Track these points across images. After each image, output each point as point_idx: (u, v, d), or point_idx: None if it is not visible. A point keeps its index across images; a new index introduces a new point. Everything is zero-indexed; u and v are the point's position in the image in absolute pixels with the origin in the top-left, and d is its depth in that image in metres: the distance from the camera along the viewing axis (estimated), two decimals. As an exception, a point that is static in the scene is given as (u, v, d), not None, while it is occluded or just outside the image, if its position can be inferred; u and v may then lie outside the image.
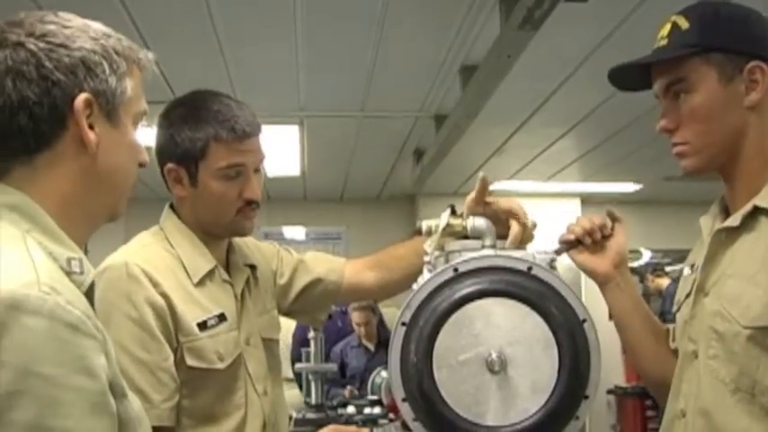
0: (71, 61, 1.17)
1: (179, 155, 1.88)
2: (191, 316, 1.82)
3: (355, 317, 6.20)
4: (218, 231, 1.96)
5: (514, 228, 1.71)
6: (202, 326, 1.83)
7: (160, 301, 1.77)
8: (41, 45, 1.16)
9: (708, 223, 1.71)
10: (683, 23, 1.64)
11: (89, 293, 1.15)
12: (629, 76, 1.75)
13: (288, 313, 2.24)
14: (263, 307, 2.07)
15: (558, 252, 1.74)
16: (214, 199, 1.89)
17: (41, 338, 0.99)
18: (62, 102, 1.16)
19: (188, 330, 1.80)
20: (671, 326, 1.82)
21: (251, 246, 2.12)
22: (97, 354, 1.06)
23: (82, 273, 1.15)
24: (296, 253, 2.27)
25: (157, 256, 1.86)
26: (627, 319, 1.87)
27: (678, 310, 1.76)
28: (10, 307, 0.98)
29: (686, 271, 1.78)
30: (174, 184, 1.92)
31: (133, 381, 1.67)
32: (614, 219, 1.86)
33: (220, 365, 1.84)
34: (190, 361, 1.80)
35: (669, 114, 1.67)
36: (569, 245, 1.83)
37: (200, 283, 1.88)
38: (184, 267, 1.88)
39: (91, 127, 1.19)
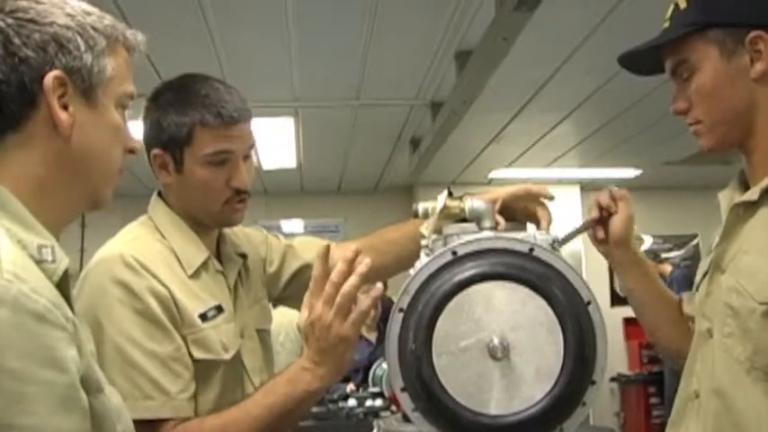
0: (41, 37, 1.12)
1: (164, 140, 1.81)
2: (191, 307, 1.75)
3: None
4: (206, 221, 1.89)
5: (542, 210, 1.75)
6: (203, 317, 1.76)
7: (163, 291, 1.70)
8: (9, 21, 1.11)
9: (726, 198, 1.68)
10: (682, 3, 1.63)
11: (63, 283, 1.08)
12: (641, 61, 1.73)
13: (278, 300, 2.18)
14: (254, 297, 2.02)
15: (579, 230, 1.78)
16: (200, 186, 1.82)
17: (4, 329, 0.93)
18: (31, 80, 1.10)
19: (191, 322, 1.74)
20: (684, 294, 1.81)
21: (239, 234, 2.06)
22: (66, 345, 1.00)
23: (54, 261, 1.08)
24: (284, 239, 2.21)
25: (151, 248, 1.79)
26: (639, 295, 1.88)
27: (697, 288, 1.72)
28: None
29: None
30: (159, 170, 1.85)
31: (147, 373, 1.62)
32: (614, 198, 1.82)
33: (226, 356, 1.78)
34: (196, 353, 1.73)
35: (680, 96, 1.67)
36: (594, 222, 1.83)
37: (195, 275, 1.81)
38: (177, 259, 1.81)
39: (65, 107, 1.13)
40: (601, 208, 1.82)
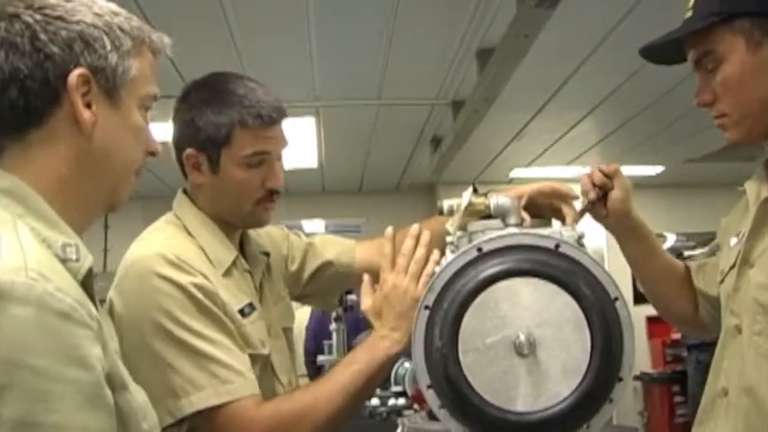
0: (68, 35, 1.12)
1: (200, 140, 1.79)
2: (230, 303, 1.75)
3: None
4: (235, 221, 1.89)
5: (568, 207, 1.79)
6: (241, 313, 1.77)
7: (208, 284, 1.70)
8: (38, 17, 1.11)
9: (753, 188, 1.65)
10: None
11: (87, 281, 1.09)
12: (663, 51, 1.68)
13: (299, 298, 2.19)
14: (277, 295, 2.02)
15: (582, 212, 1.80)
16: (236, 187, 1.82)
17: (29, 328, 0.93)
18: (55, 76, 1.11)
19: (233, 316, 1.74)
20: (691, 263, 1.80)
21: (261, 233, 2.06)
22: (91, 343, 1.00)
23: (78, 260, 1.09)
24: (305, 237, 2.22)
25: (186, 247, 1.78)
26: (643, 264, 1.90)
27: (722, 281, 1.69)
28: None
29: (732, 240, 1.71)
30: (191, 170, 1.84)
31: (220, 359, 1.63)
32: (608, 175, 1.81)
33: (264, 351, 1.80)
34: None
35: (704, 88, 1.62)
36: (593, 202, 1.82)
37: (227, 274, 1.81)
38: (208, 258, 1.80)
39: (88, 106, 1.13)
40: (596, 187, 1.80)
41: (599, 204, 1.80)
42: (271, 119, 1.79)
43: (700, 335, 1.79)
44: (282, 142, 1.86)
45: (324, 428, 1.69)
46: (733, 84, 1.56)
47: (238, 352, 1.69)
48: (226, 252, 1.84)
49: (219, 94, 1.80)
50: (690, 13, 1.61)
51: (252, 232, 2.00)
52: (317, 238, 2.23)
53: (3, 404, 0.90)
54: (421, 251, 1.72)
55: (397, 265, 1.72)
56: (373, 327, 1.74)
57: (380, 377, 1.75)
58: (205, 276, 1.71)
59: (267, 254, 2.01)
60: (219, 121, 1.77)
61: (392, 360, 1.73)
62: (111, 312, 1.65)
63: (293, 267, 2.14)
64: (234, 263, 1.84)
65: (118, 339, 1.59)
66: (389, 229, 1.78)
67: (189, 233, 1.83)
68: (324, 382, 1.73)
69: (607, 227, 1.84)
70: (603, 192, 1.79)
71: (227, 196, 1.84)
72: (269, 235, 2.09)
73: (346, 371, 1.71)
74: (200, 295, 1.67)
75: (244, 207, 1.84)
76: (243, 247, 1.95)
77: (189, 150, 1.82)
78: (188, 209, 1.87)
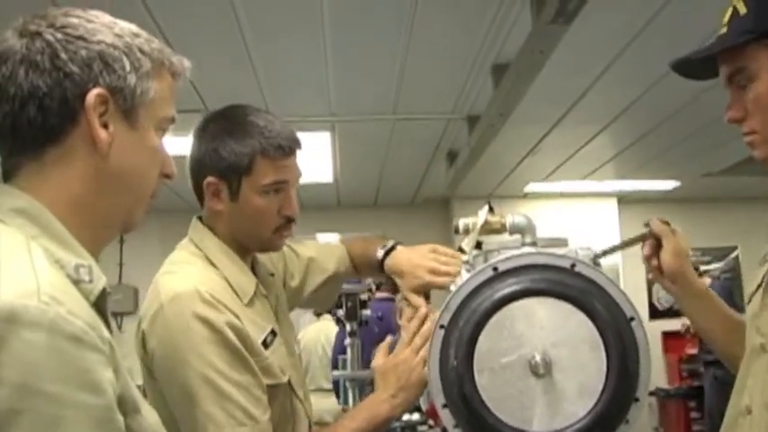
0: (88, 54, 1.12)
1: (222, 168, 1.83)
2: (254, 336, 1.79)
3: (407, 312, 6.11)
4: (251, 246, 1.93)
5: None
6: (264, 344, 1.81)
7: (238, 323, 1.74)
8: (59, 36, 1.12)
9: None
10: (742, 8, 1.55)
11: (100, 302, 1.09)
12: (695, 66, 1.66)
13: (300, 307, 2.28)
14: (284, 313, 2.04)
15: (642, 237, 1.81)
16: (255, 214, 1.85)
17: (41, 353, 0.93)
18: (73, 95, 1.11)
19: (257, 351, 1.78)
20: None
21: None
22: (103, 367, 0.99)
23: (91, 281, 1.08)
24: (299, 249, 2.26)
25: (215, 281, 1.81)
26: (709, 331, 1.86)
27: (749, 301, 1.68)
28: (8, 320, 0.92)
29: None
30: (211, 197, 1.87)
31: (239, 402, 1.69)
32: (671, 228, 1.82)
33: (284, 379, 1.85)
34: (264, 380, 1.78)
35: (735, 104, 1.59)
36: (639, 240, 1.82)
37: (250, 303, 1.84)
38: (232, 288, 1.83)
39: (105, 126, 1.14)
40: (651, 232, 1.80)
41: (651, 246, 1.81)
42: (289, 149, 1.85)
43: None
44: (297, 172, 1.91)
45: None
46: (764, 101, 1.53)
47: (258, 394, 1.74)
48: (248, 281, 1.88)
49: (241, 125, 1.85)
50: (724, 30, 1.58)
51: (257, 255, 2.01)
52: (313, 250, 2.28)
53: (15, 429, 0.90)
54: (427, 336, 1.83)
55: (414, 344, 1.89)
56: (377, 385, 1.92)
57: None
58: (236, 315, 1.75)
59: (272, 274, 2.04)
60: (242, 150, 1.81)
61: (390, 422, 1.93)
62: (143, 344, 1.72)
63: (293, 283, 2.19)
64: (255, 291, 1.87)
65: (149, 371, 1.69)
66: (424, 310, 1.94)
67: (212, 263, 1.86)
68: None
69: (666, 288, 1.84)
70: (656, 242, 1.79)
71: (246, 223, 1.87)
72: (268, 255, 2.10)
73: (349, 426, 1.88)
74: (231, 335, 1.71)
75: (263, 234, 1.88)
76: (254, 270, 1.97)
77: (210, 178, 1.85)
78: (208, 238, 1.90)
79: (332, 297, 2.41)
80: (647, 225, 1.81)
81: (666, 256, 1.78)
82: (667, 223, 1.81)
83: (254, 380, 1.74)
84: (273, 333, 1.85)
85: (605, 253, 1.68)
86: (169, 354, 1.68)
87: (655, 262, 1.81)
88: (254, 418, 1.71)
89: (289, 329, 2.03)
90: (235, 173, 1.82)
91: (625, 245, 1.80)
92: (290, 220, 1.90)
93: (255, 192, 1.83)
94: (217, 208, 1.87)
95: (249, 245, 1.91)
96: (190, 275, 1.79)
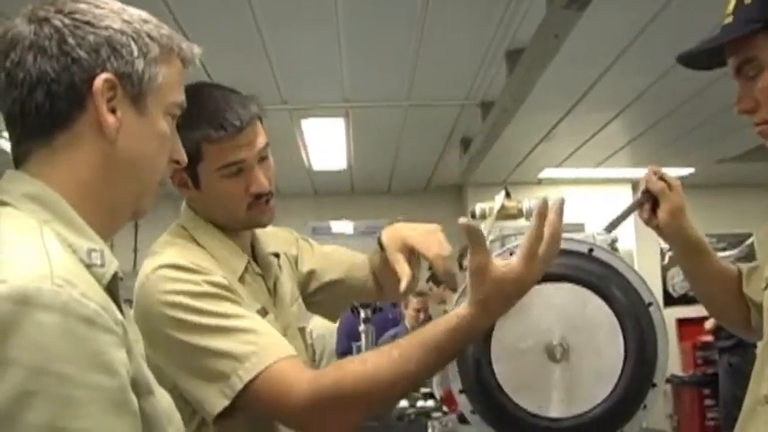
0: (96, 39, 1.12)
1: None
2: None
3: (414, 303, 6.19)
4: (236, 226, 1.89)
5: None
6: None
7: (223, 280, 1.69)
8: (66, 21, 1.12)
9: None
10: None
11: (112, 286, 1.09)
12: (701, 57, 1.64)
13: (305, 303, 2.18)
14: (291, 295, 2.02)
15: (639, 203, 1.80)
16: (221, 199, 1.81)
17: (55, 334, 0.93)
18: (81, 80, 1.11)
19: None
20: (742, 267, 1.78)
21: (269, 233, 2.05)
22: (116, 348, 1.00)
23: (103, 265, 1.09)
24: (315, 244, 2.22)
25: (199, 255, 1.78)
26: (695, 273, 1.88)
27: (766, 287, 1.66)
28: (21, 302, 0.93)
29: None
30: (179, 187, 1.85)
31: (250, 330, 1.60)
32: (668, 183, 1.82)
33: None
34: None
35: (745, 96, 1.57)
36: (638, 205, 1.83)
37: (240, 280, 1.81)
38: (219, 265, 1.80)
39: (113, 111, 1.14)
40: (646, 191, 1.81)
41: (648, 210, 1.82)
42: (234, 127, 1.76)
43: (754, 339, 1.77)
44: (256, 146, 1.82)
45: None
46: None
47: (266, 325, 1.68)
48: (237, 259, 1.85)
49: (189, 109, 1.75)
50: (729, 19, 1.56)
51: (261, 234, 1.99)
52: (329, 248, 2.23)
53: (30, 410, 0.90)
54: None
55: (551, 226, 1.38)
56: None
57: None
58: (221, 275, 1.71)
59: (277, 254, 2.01)
60: (189, 138, 1.67)
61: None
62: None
63: (304, 270, 2.14)
64: (246, 268, 1.85)
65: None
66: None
67: (199, 244, 1.83)
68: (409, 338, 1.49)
69: (659, 235, 1.84)
70: (651, 198, 1.78)
71: (217, 207, 1.84)
72: (277, 236, 2.09)
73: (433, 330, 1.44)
74: (215, 289, 1.66)
75: (236, 215, 1.84)
76: (254, 249, 1.95)
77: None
78: (193, 220, 1.88)
79: (340, 305, 2.29)
80: (644, 193, 1.82)
81: (663, 215, 1.79)
82: (663, 179, 1.81)
83: (257, 317, 1.69)
84: (264, 312, 1.80)
85: (613, 225, 1.68)
86: (146, 316, 1.61)
87: (654, 221, 1.81)
88: (274, 336, 1.63)
89: (295, 313, 2.00)
90: (189, 162, 1.77)
91: (630, 210, 1.80)
92: (260, 196, 1.83)
93: (212, 177, 1.78)
94: (188, 196, 1.86)
95: (230, 225, 1.87)
96: (171, 254, 1.75)
